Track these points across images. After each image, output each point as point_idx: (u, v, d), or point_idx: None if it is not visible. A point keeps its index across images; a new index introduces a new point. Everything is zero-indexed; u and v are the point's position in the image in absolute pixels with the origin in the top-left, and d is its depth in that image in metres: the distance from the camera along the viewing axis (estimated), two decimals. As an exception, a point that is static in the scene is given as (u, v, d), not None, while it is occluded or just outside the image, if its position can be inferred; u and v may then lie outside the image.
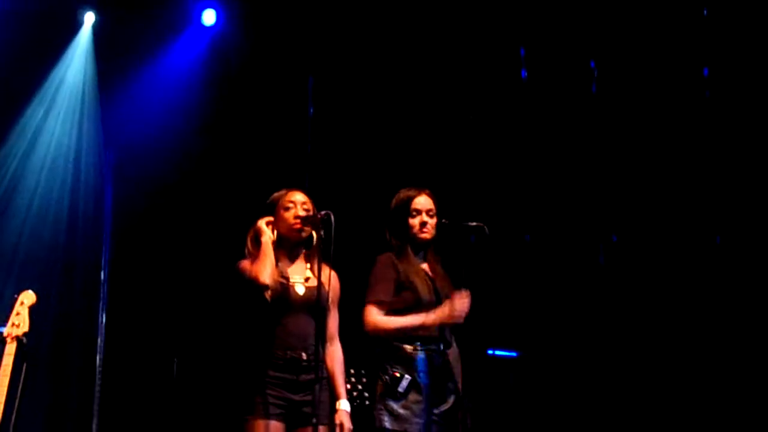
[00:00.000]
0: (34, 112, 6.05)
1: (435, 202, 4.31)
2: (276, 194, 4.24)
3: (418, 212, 4.26)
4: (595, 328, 5.95)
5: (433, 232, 4.27)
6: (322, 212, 4.01)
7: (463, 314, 4.11)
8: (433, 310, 4.13)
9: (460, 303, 4.10)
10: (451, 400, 4.19)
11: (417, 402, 4.06)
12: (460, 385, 4.20)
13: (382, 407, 4.06)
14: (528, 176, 6.06)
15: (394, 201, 4.31)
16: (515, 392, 5.91)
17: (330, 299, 4.13)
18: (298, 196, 4.20)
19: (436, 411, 4.13)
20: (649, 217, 5.91)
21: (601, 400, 5.82)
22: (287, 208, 4.16)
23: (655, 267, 5.87)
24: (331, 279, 4.12)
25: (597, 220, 6.01)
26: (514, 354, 6.10)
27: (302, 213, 4.13)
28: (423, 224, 4.25)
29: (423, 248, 4.32)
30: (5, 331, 4.45)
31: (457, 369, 4.22)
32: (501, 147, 6.10)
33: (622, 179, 5.96)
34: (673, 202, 5.88)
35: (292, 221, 4.13)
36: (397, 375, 4.07)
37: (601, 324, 5.93)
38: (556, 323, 6.04)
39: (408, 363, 4.10)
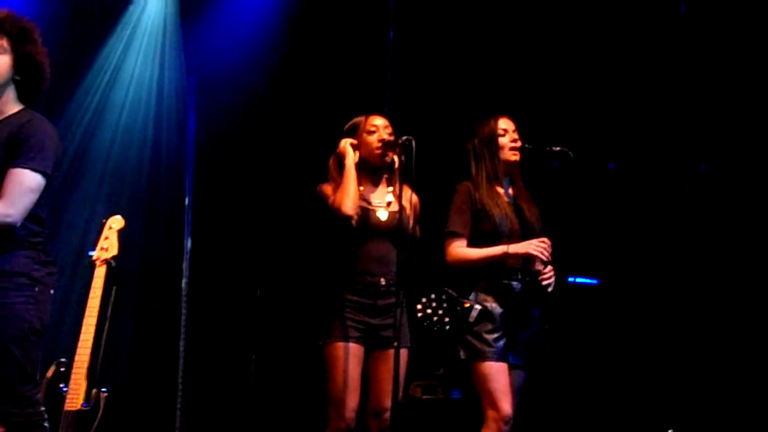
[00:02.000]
0: (115, 43, 6.10)
1: (516, 127, 4.28)
2: (357, 118, 4.23)
3: (506, 131, 4.23)
4: (679, 257, 5.86)
5: (519, 154, 4.24)
6: (404, 137, 3.99)
7: (540, 255, 4.07)
8: (512, 243, 4.12)
9: (537, 245, 4.06)
10: (532, 327, 4.19)
11: (490, 331, 4.07)
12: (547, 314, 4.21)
13: (457, 338, 4.08)
14: (613, 102, 5.94)
15: (480, 125, 4.27)
16: (595, 320, 5.88)
17: (411, 224, 4.14)
18: (380, 121, 4.19)
19: (515, 339, 4.14)
20: (738, 145, 5.75)
21: (684, 328, 5.76)
22: (370, 132, 4.15)
23: (743, 196, 5.73)
24: (412, 203, 4.12)
25: (684, 148, 5.88)
26: (594, 282, 6.06)
27: (385, 137, 4.12)
28: (513, 141, 4.21)
29: (509, 172, 4.28)
30: (94, 254, 4.57)
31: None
32: (586, 72, 5.97)
33: (711, 105, 5.80)
34: (763, 131, 5.71)
35: (375, 145, 4.12)
36: (467, 305, 4.08)
37: (684, 253, 5.84)
38: (638, 251, 5.97)
39: (483, 293, 4.11)
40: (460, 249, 4.14)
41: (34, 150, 3.37)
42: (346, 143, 4.16)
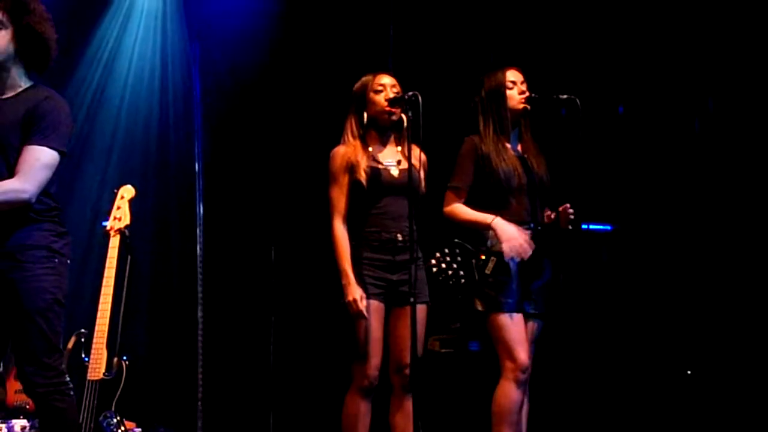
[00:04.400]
0: (116, 13, 6.07)
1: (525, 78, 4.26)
2: (364, 78, 4.22)
3: (514, 83, 4.22)
4: (692, 200, 5.84)
5: (528, 104, 4.22)
6: (410, 93, 3.98)
7: (517, 252, 4.05)
8: (518, 197, 4.11)
9: (515, 245, 4.04)
10: (547, 276, 4.20)
11: (506, 282, 4.08)
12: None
13: (473, 290, 4.09)
14: (618, 45, 5.88)
15: (487, 78, 4.25)
16: (610, 267, 5.88)
17: (422, 180, 4.14)
18: (387, 79, 4.18)
19: (532, 288, 4.15)
20: (748, 82, 5.70)
21: (698, 274, 5.75)
22: (377, 91, 4.15)
23: (753, 137, 5.69)
24: (421, 160, 4.12)
25: (691, 87, 5.83)
26: (608, 228, 6.05)
27: (392, 95, 4.11)
28: (522, 93, 4.20)
29: (517, 124, 4.27)
30: (108, 224, 4.60)
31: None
32: (588, 16, 5.91)
33: (717, 43, 5.74)
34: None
35: (383, 104, 4.12)
36: (483, 257, 4.08)
37: (697, 195, 5.82)
38: (650, 196, 5.95)
39: (496, 244, 4.10)
40: (454, 205, 4.16)
41: (51, 128, 3.40)
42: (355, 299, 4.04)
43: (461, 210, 4.16)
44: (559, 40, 5.88)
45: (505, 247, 4.04)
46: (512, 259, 4.07)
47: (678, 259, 5.82)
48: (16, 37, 3.45)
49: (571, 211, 4.14)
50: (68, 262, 3.52)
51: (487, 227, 4.08)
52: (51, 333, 3.41)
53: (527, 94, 4.20)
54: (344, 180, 4.10)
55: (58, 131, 3.41)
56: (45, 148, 3.39)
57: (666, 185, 5.90)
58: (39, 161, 3.38)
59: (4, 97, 3.49)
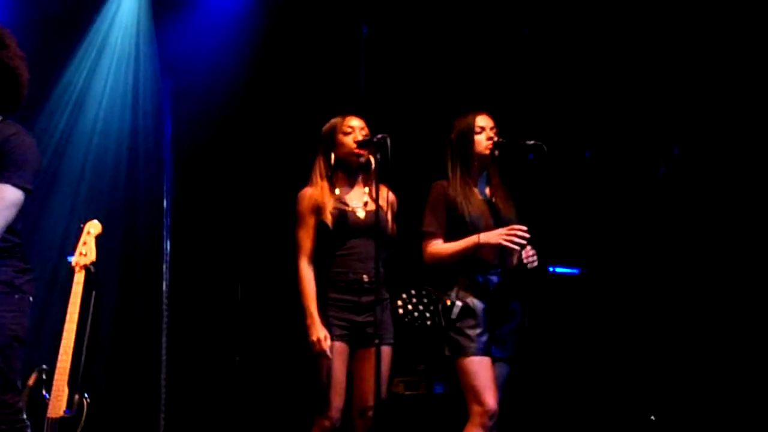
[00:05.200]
0: (88, 49, 6.07)
1: (494, 123, 4.29)
2: (333, 120, 4.24)
3: (483, 129, 4.24)
4: (657, 243, 5.89)
5: (497, 149, 4.25)
6: (379, 135, 4.00)
7: (509, 245, 4.07)
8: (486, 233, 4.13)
9: (507, 234, 4.06)
10: (515, 320, 4.21)
11: (472, 327, 4.08)
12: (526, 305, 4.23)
13: (441, 335, 4.09)
14: (586, 91, 5.96)
15: (456, 122, 4.28)
16: (578, 309, 5.90)
17: (389, 221, 4.16)
18: (355, 122, 4.20)
19: (499, 332, 4.16)
20: (711, 128, 5.79)
21: (665, 316, 5.79)
22: (346, 133, 4.17)
23: (718, 179, 5.77)
24: (389, 201, 4.14)
25: (657, 133, 5.91)
26: (576, 271, 6.09)
27: (361, 138, 4.14)
28: (489, 139, 4.22)
29: (485, 168, 4.29)
30: (73, 260, 4.56)
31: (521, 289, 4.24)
32: (558, 62, 5.99)
33: (684, 89, 5.83)
34: (738, 112, 5.74)
35: (351, 146, 4.14)
36: (449, 302, 4.09)
37: (662, 238, 5.87)
38: (617, 239, 5.99)
39: (463, 289, 4.12)
40: (435, 246, 4.16)
41: (16, 165, 3.37)
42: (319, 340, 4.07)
43: (444, 247, 4.16)
44: (530, 84, 5.94)
45: (502, 241, 4.04)
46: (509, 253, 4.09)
47: (645, 301, 5.86)
48: None
49: (531, 253, 4.14)
50: (31, 299, 3.48)
51: (477, 244, 4.08)
52: (8, 370, 3.37)
53: (495, 139, 4.23)
54: (311, 221, 4.11)
55: (23, 169, 3.38)
56: (9, 186, 3.35)
57: (632, 228, 5.96)
58: (4, 200, 3.35)
59: None
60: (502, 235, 4.06)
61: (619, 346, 5.86)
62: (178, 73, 5.96)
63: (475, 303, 4.11)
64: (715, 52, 5.72)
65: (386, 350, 4.07)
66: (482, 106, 4.38)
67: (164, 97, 5.97)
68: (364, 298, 4.07)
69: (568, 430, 5.57)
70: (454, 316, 4.06)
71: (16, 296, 3.41)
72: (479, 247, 4.10)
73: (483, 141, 4.23)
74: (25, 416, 3.45)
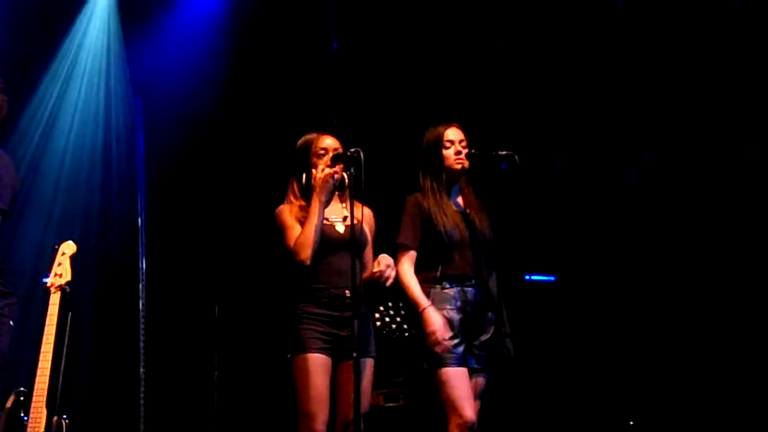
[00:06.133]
0: (59, 67, 6.06)
1: (465, 135, 4.30)
2: (307, 138, 4.22)
3: (452, 143, 4.26)
4: (630, 249, 5.95)
5: (466, 162, 4.27)
6: (351, 150, 4.01)
7: (435, 346, 4.06)
8: (462, 252, 4.15)
9: (438, 335, 4.04)
10: (491, 330, 4.23)
11: (449, 338, 4.10)
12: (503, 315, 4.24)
13: (419, 347, 4.11)
14: (556, 101, 6.01)
15: (426, 136, 4.31)
16: (554, 317, 5.94)
17: (367, 236, 4.17)
18: (329, 141, 4.19)
19: (475, 343, 4.18)
20: (682, 135, 5.86)
21: (640, 321, 5.84)
22: (320, 155, 4.16)
23: (688, 186, 5.84)
24: (364, 216, 4.14)
25: (628, 141, 5.97)
26: (552, 278, 6.13)
27: (330, 166, 4.12)
28: (458, 153, 4.25)
29: (456, 180, 4.32)
30: (49, 281, 4.53)
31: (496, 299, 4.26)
32: (527, 72, 6.04)
33: (653, 96, 5.90)
34: (705, 119, 5.82)
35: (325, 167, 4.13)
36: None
37: (635, 243, 5.93)
38: (592, 245, 6.04)
39: (438, 301, 4.14)
40: (405, 269, 4.15)
41: None
42: (326, 174, 4.09)
43: (408, 279, 4.16)
44: (501, 95, 5.98)
45: (428, 338, 4.06)
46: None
47: (620, 307, 5.91)
48: None
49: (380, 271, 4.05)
50: (11, 323, 3.46)
51: (419, 312, 4.10)
52: None
53: (464, 152, 4.25)
54: (299, 226, 4.09)
55: (1, 190, 3.36)
56: None
57: (606, 235, 6.01)
58: None
59: None
60: (435, 334, 4.04)
61: (596, 351, 5.91)
62: (148, 89, 5.95)
63: (452, 314, 4.13)
64: (683, 58, 5.80)
65: (369, 363, 4.09)
66: (454, 118, 4.41)
67: (136, 114, 5.96)
68: (346, 313, 4.07)
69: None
70: None
71: None
72: (451, 260, 4.13)
73: (452, 155, 4.25)
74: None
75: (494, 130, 5.42)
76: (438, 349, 4.06)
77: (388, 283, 3.99)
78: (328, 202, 4.12)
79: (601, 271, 6.04)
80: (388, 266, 4.02)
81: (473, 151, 4.28)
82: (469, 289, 4.18)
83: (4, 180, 3.40)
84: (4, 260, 3.51)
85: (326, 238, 4.09)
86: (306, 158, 4.18)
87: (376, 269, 3.99)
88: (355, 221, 3.98)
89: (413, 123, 4.62)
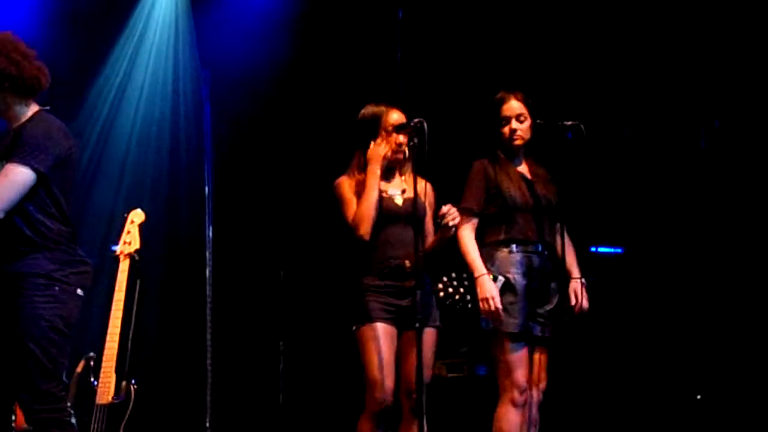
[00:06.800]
0: (128, 40, 6.12)
1: (527, 104, 4.25)
2: (375, 110, 4.19)
3: (507, 119, 4.23)
4: (700, 219, 5.84)
5: (526, 136, 4.25)
6: (415, 120, 3.99)
7: (486, 313, 4.06)
8: (525, 217, 4.13)
9: (490, 304, 4.05)
10: (555, 299, 4.20)
11: (512, 303, 4.10)
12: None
13: (480, 310, 4.10)
14: (624, 69, 5.91)
15: (489, 104, 4.28)
16: (622, 290, 5.87)
17: (426, 208, 4.16)
18: (396, 115, 4.16)
19: (539, 311, 4.16)
20: (751, 99, 5.72)
21: (711, 293, 5.74)
22: (389, 132, 4.14)
23: (758, 151, 5.71)
24: (426, 191, 4.12)
25: (696, 106, 5.85)
26: (619, 250, 6.06)
27: (402, 139, 4.12)
28: (513, 131, 4.22)
29: (517, 153, 4.29)
30: (118, 249, 4.62)
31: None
32: (593, 40, 5.95)
33: (722, 62, 5.76)
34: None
35: (395, 147, 4.12)
36: (491, 276, 4.09)
37: (706, 214, 5.82)
38: (660, 216, 5.95)
39: (504, 265, 4.13)
40: (465, 235, 4.15)
41: (28, 147, 3.41)
42: (378, 151, 4.08)
43: (467, 244, 4.16)
44: (566, 64, 5.90)
45: (481, 304, 4.06)
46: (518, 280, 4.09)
47: (689, 278, 5.82)
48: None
49: (447, 212, 4.02)
50: (78, 291, 3.51)
51: (474, 277, 4.10)
52: (47, 360, 3.40)
53: (519, 129, 4.21)
54: (356, 200, 4.10)
55: (35, 150, 3.41)
56: (17, 166, 3.39)
57: (674, 205, 5.91)
58: (7, 178, 3.39)
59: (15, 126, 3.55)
60: (487, 301, 4.05)
61: (665, 326, 5.83)
62: (216, 61, 5.99)
63: (517, 278, 4.12)
64: (753, 21, 5.65)
65: (431, 333, 4.09)
66: (519, 86, 4.36)
67: (203, 86, 6.00)
68: (408, 283, 4.07)
69: (610, 411, 5.56)
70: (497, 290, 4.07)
71: (57, 287, 3.43)
72: (515, 223, 4.13)
73: (507, 132, 4.23)
74: (69, 404, 3.49)
75: (561, 99, 5.35)
76: (489, 317, 4.05)
77: (452, 223, 3.97)
78: (383, 176, 4.12)
79: (670, 243, 5.94)
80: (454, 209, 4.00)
81: (539, 121, 4.24)
82: (534, 255, 4.16)
83: (42, 143, 3.42)
84: (70, 227, 3.55)
85: (385, 212, 4.09)
86: (375, 130, 4.16)
87: (443, 209, 3.98)
88: (416, 193, 3.98)
89: (479, 92, 4.58)
